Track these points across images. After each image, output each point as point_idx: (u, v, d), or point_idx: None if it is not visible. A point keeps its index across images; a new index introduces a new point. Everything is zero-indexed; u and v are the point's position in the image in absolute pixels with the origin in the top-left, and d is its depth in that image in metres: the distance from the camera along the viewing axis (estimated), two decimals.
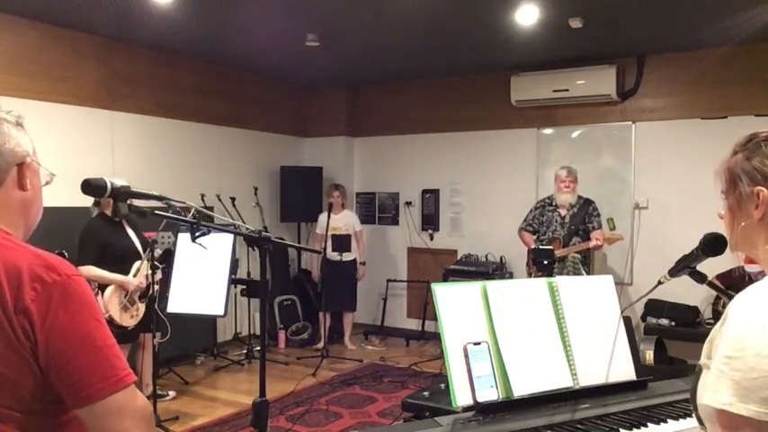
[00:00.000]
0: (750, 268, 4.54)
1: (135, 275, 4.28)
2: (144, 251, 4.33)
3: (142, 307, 4.34)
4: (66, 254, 3.70)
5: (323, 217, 6.46)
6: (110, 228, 4.27)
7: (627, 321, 2.07)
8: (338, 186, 6.63)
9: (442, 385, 1.97)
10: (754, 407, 0.96)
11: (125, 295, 4.23)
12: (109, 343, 1.17)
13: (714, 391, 1.02)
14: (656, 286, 1.90)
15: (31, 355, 1.11)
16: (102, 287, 4.20)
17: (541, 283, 2.00)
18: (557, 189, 5.42)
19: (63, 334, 1.12)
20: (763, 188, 1.11)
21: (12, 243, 1.19)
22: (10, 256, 1.14)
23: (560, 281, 2.02)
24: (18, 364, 1.11)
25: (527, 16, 4.68)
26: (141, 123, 5.73)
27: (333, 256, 6.27)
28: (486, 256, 6.58)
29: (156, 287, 4.21)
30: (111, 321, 4.12)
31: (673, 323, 5.46)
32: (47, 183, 1.35)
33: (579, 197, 5.40)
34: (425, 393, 1.97)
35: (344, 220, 6.52)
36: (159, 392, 4.57)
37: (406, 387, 5.23)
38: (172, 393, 4.89)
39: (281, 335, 6.72)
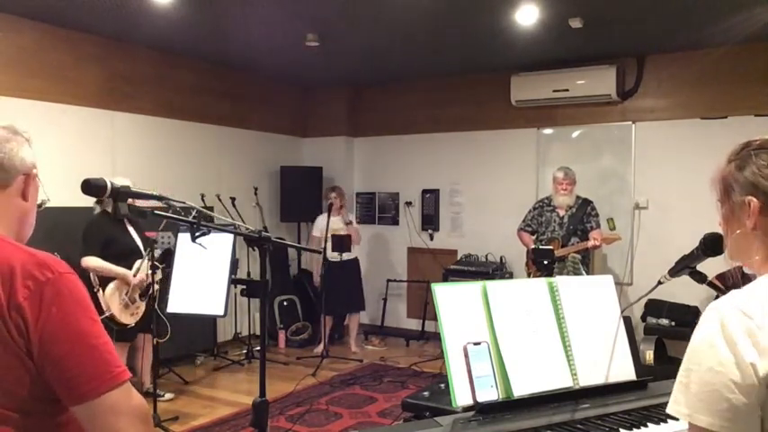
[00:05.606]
0: (749, 269, 4.53)
1: (135, 275, 4.30)
2: (145, 250, 4.36)
3: (143, 305, 4.37)
4: (56, 255, 3.72)
5: (321, 219, 6.40)
6: (112, 225, 4.34)
7: (627, 321, 2.07)
8: (335, 188, 6.50)
9: (442, 385, 1.96)
10: (711, 419, 0.99)
11: (126, 292, 4.27)
12: (103, 340, 1.17)
13: (675, 401, 1.05)
14: (656, 286, 1.90)
15: (26, 353, 1.11)
16: (104, 285, 4.22)
17: (541, 282, 2.00)
18: (554, 191, 5.41)
19: (56, 331, 1.11)
20: (753, 197, 1.12)
21: (4, 242, 1.19)
22: (2, 255, 1.15)
23: (560, 281, 2.02)
24: (14, 363, 1.11)
25: (527, 16, 4.68)
26: (141, 123, 5.72)
27: (333, 256, 6.24)
28: (486, 256, 6.59)
29: (157, 287, 4.23)
30: (111, 319, 4.15)
31: (673, 323, 5.46)
32: (41, 203, 1.38)
33: (578, 197, 5.40)
34: (425, 393, 1.97)
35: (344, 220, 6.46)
36: (157, 392, 4.56)
37: (406, 387, 5.23)
38: (169, 395, 4.86)
39: (281, 335, 6.72)
